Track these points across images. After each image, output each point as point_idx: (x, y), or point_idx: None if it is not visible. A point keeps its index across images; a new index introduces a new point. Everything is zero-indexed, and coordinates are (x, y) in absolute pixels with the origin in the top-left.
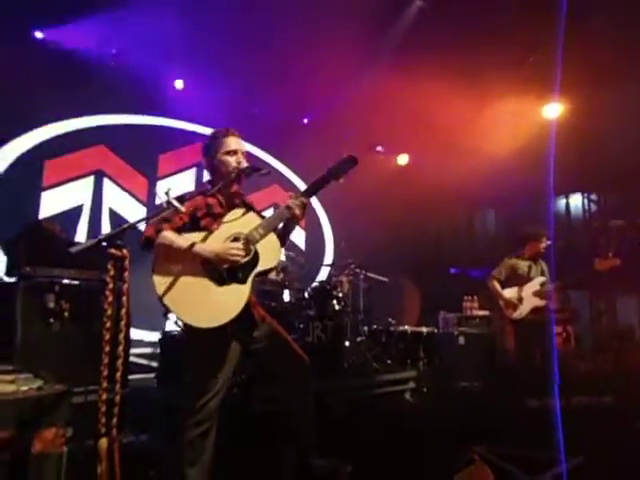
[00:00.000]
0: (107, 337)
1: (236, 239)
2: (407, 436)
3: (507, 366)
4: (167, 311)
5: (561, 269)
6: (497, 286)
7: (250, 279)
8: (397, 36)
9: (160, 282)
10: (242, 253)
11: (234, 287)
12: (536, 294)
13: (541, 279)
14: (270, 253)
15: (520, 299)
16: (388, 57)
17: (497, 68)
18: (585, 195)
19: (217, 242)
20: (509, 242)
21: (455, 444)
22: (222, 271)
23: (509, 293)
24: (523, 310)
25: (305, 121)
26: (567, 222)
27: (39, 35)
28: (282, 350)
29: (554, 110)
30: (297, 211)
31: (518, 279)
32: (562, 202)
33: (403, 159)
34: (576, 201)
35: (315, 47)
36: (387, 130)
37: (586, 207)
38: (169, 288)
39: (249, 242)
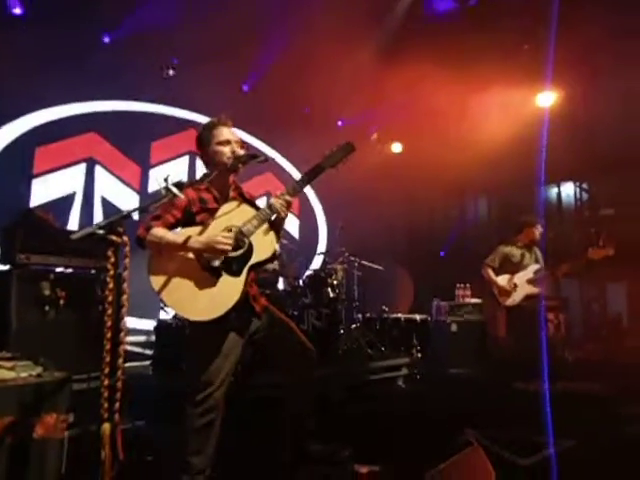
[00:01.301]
0: (109, 323)
1: (228, 231)
2: (401, 421)
3: (499, 352)
4: (161, 301)
5: (552, 257)
6: (491, 273)
7: (245, 271)
8: (392, 24)
9: (156, 279)
10: (230, 242)
11: (229, 280)
12: (530, 282)
13: (535, 267)
14: (264, 244)
15: (514, 286)
16: (383, 45)
17: (491, 56)
18: (577, 184)
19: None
20: (501, 229)
21: (448, 428)
22: (216, 264)
23: (503, 280)
24: (517, 297)
25: (306, 111)
26: (558, 211)
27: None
28: (286, 339)
29: (547, 99)
30: (280, 212)
31: (512, 266)
32: (554, 191)
33: (397, 147)
34: (568, 190)
35: (311, 35)
36: (381, 119)
37: (578, 196)
38: (165, 284)
39: (243, 234)
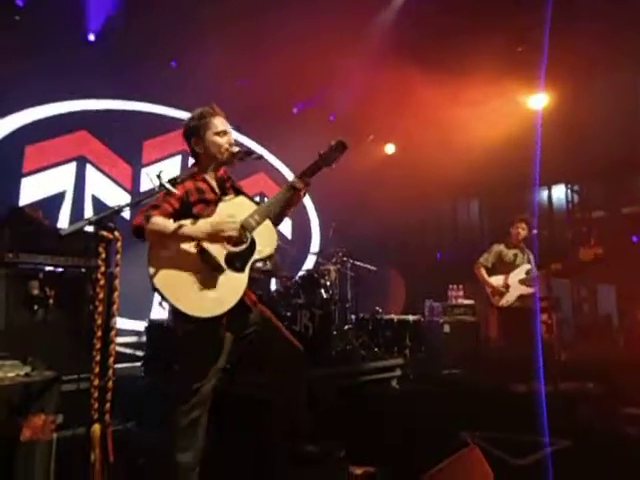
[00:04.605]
0: (99, 321)
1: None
2: (396, 422)
3: (491, 353)
4: (160, 297)
5: (544, 258)
6: (484, 273)
7: (248, 267)
8: (386, 23)
9: (156, 272)
10: (236, 227)
11: (232, 276)
12: (522, 282)
13: (527, 267)
14: (266, 240)
15: (507, 286)
16: (377, 46)
17: (485, 58)
18: (568, 186)
19: None
20: (493, 232)
21: (443, 429)
22: (220, 259)
23: (496, 281)
24: (510, 297)
25: (295, 111)
26: (549, 213)
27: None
28: (275, 337)
29: (540, 101)
30: (302, 191)
31: (505, 266)
32: (544, 193)
33: (390, 149)
34: (559, 192)
35: (305, 36)
36: (375, 119)
37: (569, 198)
38: (166, 278)
39: (245, 229)
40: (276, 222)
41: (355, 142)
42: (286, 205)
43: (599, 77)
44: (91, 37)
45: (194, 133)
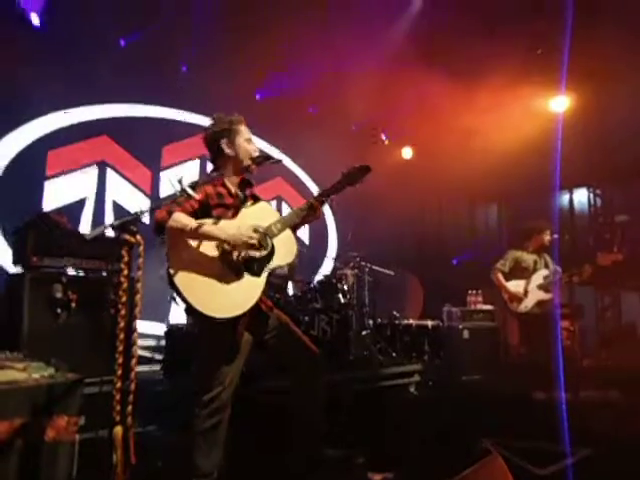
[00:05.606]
0: (122, 324)
1: (254, 231)
2: (414, 429)
3: (511, 359)
4: (177, 295)
5: (565, 264)
6: (501, 278)
7: (265, 273)
8: (404, 25)
9: (174, 269)
10: (257, 238)
11: (249, 279)
12: (540, 287)
13: (545, 272)
14: (286, 249)
15: (525, 292)
16: (395, 51)
17: (504, 61)
18: (590, 190)
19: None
20: (511, 236)
21: (462, 436)
22: (238, 262)
23: (515, 286)
24: (528, 303)
25: (310, 110)
26: (570, 217)
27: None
28: (292, 342)
29: (561, 104)
30: (318, 210)
31: (523, 272)
32: (566, 197)
33: (407, 153)
34: (580, 196)
35: (321, 39)
36: (392, 123)
37: (591, 202)
38: (184, 275)
39: (267, 236)
40: (294, 230)
41: (372, 146)
42: (304, 219)
43: (621, 79)
44: (122, 42)
45: (225, 136)
